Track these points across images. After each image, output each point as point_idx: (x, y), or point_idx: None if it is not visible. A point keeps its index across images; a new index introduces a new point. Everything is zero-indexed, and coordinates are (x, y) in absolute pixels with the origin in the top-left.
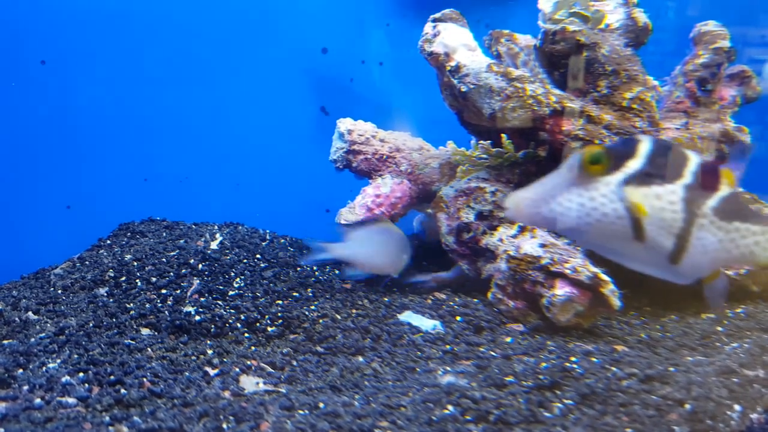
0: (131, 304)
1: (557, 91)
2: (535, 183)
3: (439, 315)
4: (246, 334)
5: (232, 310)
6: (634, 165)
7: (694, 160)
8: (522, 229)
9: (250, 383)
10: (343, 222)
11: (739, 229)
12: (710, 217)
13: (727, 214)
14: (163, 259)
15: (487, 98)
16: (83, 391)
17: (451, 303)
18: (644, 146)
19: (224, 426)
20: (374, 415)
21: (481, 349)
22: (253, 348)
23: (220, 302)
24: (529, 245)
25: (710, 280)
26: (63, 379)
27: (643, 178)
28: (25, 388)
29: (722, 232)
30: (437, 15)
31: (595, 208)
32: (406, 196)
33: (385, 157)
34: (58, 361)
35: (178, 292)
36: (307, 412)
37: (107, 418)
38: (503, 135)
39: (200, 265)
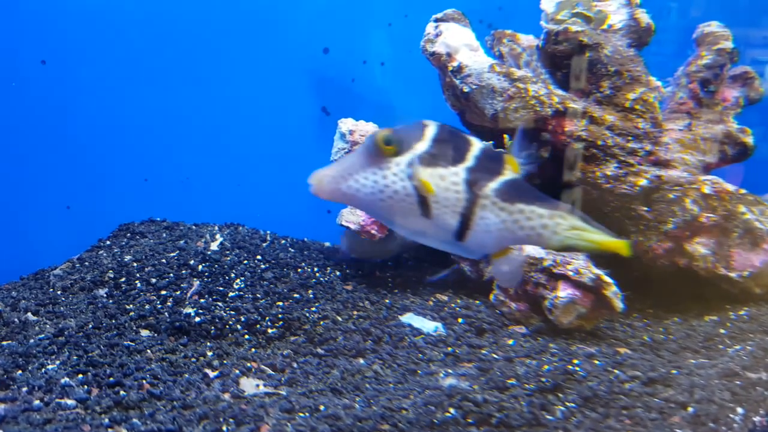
0: (131, 306)
1: (560, 92)
2: (336, 161)
3: (441, 317)
4: (246, 336)
5: (232, 312)
6: (421, 147)
7: (477, 146)
8: None
9: (250, 385)
10: (344, 223)
11: (524, 210)
12: (492, 198)
13: (510, 196)
14: (163, 260)
15: (489, 99)
16: (82, 392)
17: (453, 305)
18: (430, 130)
19: (224, 428)
20: (375, 417)
21: (483, 352)
22: (253, 350)
23: (220, 303)
24: (532, 246)
25: (498, 257)
26: (62, 381)
27: (429, 159)
28: (24, 389)
29: (505, 213)
30: (439, 15)
31: (387, 185)
32: None
33: None
34: (58, 362)
35: (178, 293)
36: (307, 414)
37: (106, 420)
38: (505, 136)
39: (200, 266)
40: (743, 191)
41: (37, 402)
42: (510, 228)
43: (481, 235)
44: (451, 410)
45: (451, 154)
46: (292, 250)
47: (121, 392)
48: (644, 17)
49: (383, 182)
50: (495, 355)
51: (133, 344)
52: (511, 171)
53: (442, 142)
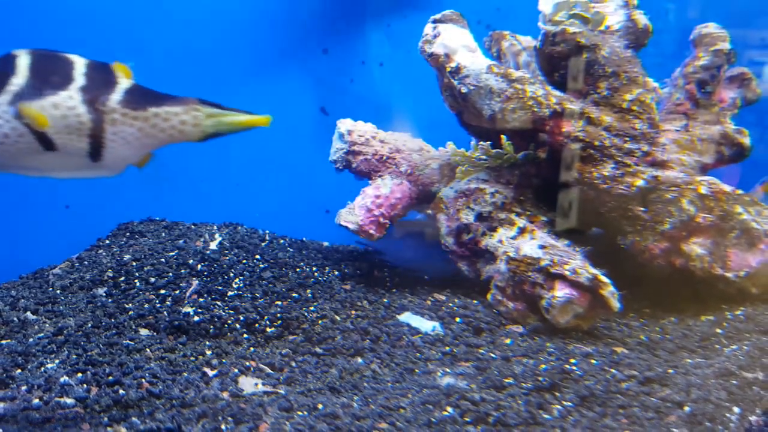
0: (130, 305)
1: (557, 93)
2: None
3: (439, 316)
4: (245, 335)
5: (231, 311)
6: (18, 81)
7: (81, 62)
8: (522, 231)
9: (248, 384)
10: (342, 223)
11: (158, 113)
12: (120, 110)
13: (137, 103)
14: (162, 260)
15: (487, 99)
16: (82, 391)
17: (451, 304)
18: (24, 60)
19: (223, 427)
20: (373, 416)
21: (481, 351)
22: (251, 349)
23: (218, 303)
24: (529, 246)
25: (143, 164)
26: (61, 380)
27: (32, 91)
28: (24, 388)
29: (139, 121)
30: (437, 16)
31: None
32: (406, 197)
33: (385, 158)
34: (57, 361)
35: (177, 292)
36: (305, 413)
37: (105, 419)
38: (503, 136)
39: (199, 266)
40: (740, 192)
41: (36, 401)
42: (150, 133)
43: (120, 150)
44: (449, 409)
45: (55, 78)
46: (291, 250)
47: (121, 391)
48: (641, 18)
49: None
50: (492, 355)
51: (132, 343)
52: (125, 78)
53: (40, 69)
